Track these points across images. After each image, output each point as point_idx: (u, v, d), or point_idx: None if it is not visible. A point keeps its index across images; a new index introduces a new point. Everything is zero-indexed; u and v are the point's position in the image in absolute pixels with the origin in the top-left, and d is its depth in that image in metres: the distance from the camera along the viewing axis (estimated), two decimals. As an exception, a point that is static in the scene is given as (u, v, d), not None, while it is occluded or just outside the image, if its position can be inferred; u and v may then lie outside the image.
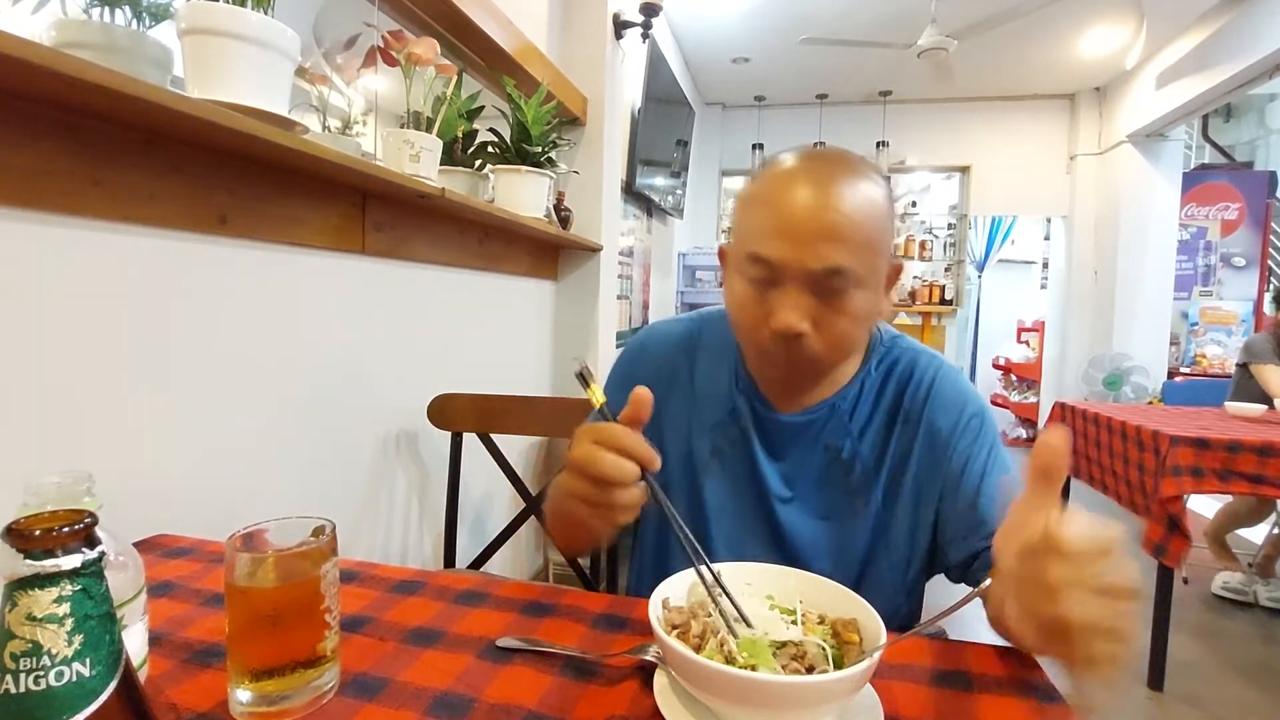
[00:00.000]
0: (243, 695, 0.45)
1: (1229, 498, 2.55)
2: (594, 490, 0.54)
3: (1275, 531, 2.55)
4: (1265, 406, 2.30)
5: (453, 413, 1.36)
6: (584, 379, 0.57)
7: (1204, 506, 3.26)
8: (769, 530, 0.78)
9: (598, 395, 0.57)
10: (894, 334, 0.82)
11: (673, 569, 0.56)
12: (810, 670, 0.46)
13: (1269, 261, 4.84)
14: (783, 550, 0.77)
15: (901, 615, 0.78)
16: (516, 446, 1.92)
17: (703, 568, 0.53)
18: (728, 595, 0.52)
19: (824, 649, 0.47)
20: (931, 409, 0.75)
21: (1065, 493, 2.59)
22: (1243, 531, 2.71)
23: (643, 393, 0.55)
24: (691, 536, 0.54)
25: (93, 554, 0.32)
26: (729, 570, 0.55)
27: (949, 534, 0.73)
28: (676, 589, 0.54)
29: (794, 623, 0.50)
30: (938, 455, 0.74)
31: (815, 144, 4.87)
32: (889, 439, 0.76)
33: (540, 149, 1.68)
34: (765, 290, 0.67)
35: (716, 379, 0.82)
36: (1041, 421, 4.61)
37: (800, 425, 0.77)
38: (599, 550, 0.79)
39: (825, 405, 0.77)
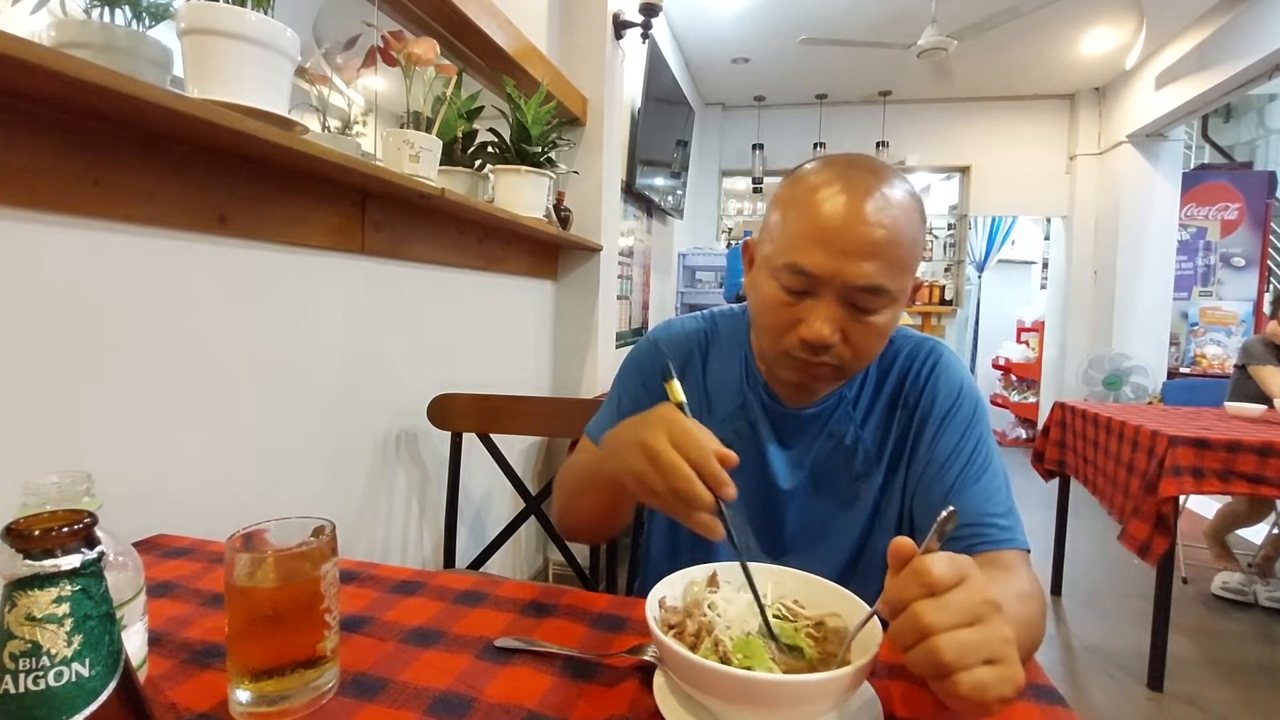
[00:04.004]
0: (242, 695, 0.45)
1: (1228, 498, 2.55)
2: (670, 498, 0.53)
3: (1275, 531, 2.55)
4: (1265, 406, 2.30)
5: (453, 413, 1.36)
6: (666, 373, 0.61)
7: (1203, 506, 3.26)
8: (772, 516, 0.80)
9: (677, 393, 0.60)
10: None
11: (680, 569, 0.56)
12: (814, 668, 0.46)
13: (1269, 262, 4.84)
14: (785, 536, 0.80)
15: None
16: (516, 446, 1.92)
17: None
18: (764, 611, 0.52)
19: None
20: (929, 393, 0.77)
21: (1065, 492, 2.60)
22: (1243, 531, 2.71)
23: (733, 456, 0.55)
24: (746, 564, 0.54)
25: (92, 554, 0.32)
26: (729, 570, 0.55)
27: (919, 518, 0.75)
28: (673, 588, 0.54)
29: (796, 621, 0.51)
30: (927, 436, 0.75)
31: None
32: (890, 424, 0.78)
33: (540, 149, 1.68)
34: (799, 298, 0.67)
35: (728, 375, 0.84)
36: (1041, 422, 4.61)
37: (809, 417, 0.79)
38: (615, 534, 0.78)
39: (833, 396, 0.79)
